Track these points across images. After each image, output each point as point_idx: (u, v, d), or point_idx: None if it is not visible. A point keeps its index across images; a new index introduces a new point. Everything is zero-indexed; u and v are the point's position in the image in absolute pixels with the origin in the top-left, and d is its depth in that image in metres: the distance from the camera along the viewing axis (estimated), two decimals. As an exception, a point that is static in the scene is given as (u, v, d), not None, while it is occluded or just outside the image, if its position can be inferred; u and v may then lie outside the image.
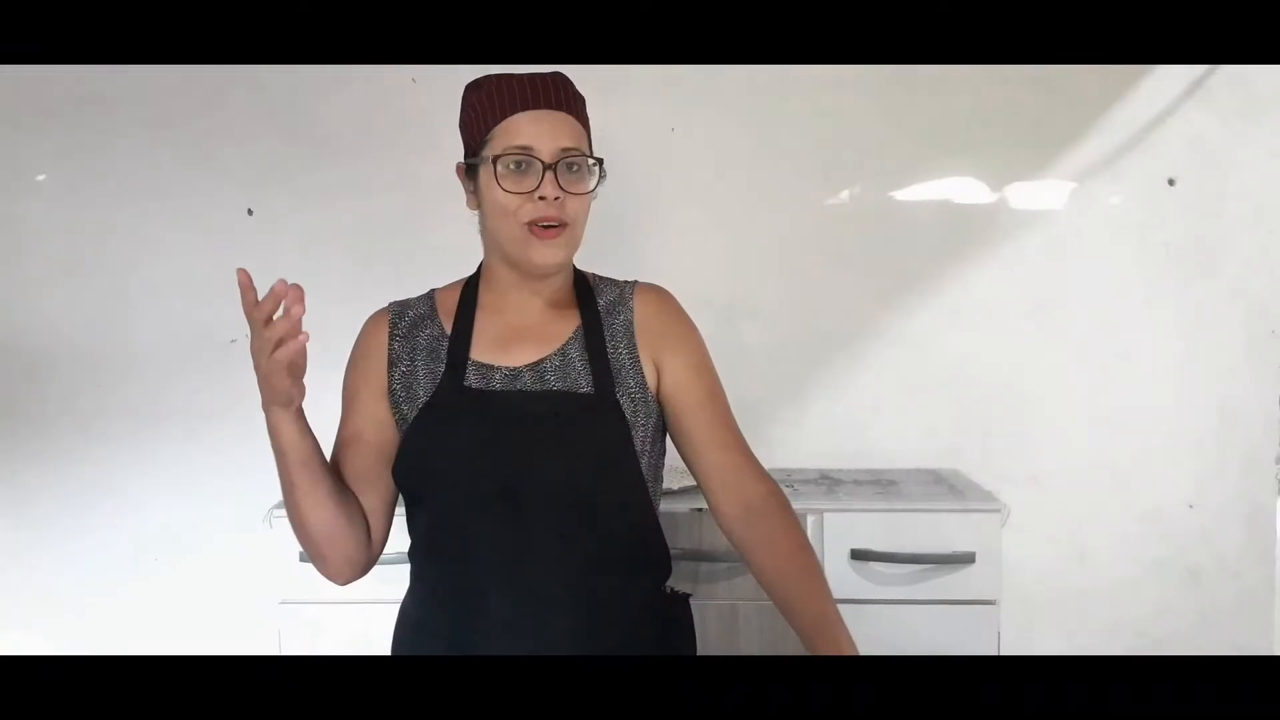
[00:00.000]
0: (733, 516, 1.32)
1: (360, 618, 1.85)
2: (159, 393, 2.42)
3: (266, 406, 1.19)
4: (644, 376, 1.32)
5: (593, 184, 1.29)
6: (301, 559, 1.93)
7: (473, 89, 1.33)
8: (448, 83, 2.27)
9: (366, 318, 1.42)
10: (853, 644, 1.21)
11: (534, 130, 1.25)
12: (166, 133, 2.37)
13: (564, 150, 1.25)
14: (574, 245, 1.31)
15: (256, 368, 1.14)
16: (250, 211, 2.38)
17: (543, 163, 1.24)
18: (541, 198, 1.23)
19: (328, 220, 2.38)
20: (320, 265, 2.38)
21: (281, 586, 1.99)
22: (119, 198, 2.38)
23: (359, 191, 2.38)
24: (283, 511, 1.97)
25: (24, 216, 2.39)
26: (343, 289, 2.36)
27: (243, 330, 2.33)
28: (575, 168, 1.27)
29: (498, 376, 1.28)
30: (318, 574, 1.90)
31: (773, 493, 1.32)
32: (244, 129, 2.37)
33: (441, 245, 2.29)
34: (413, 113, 2.35)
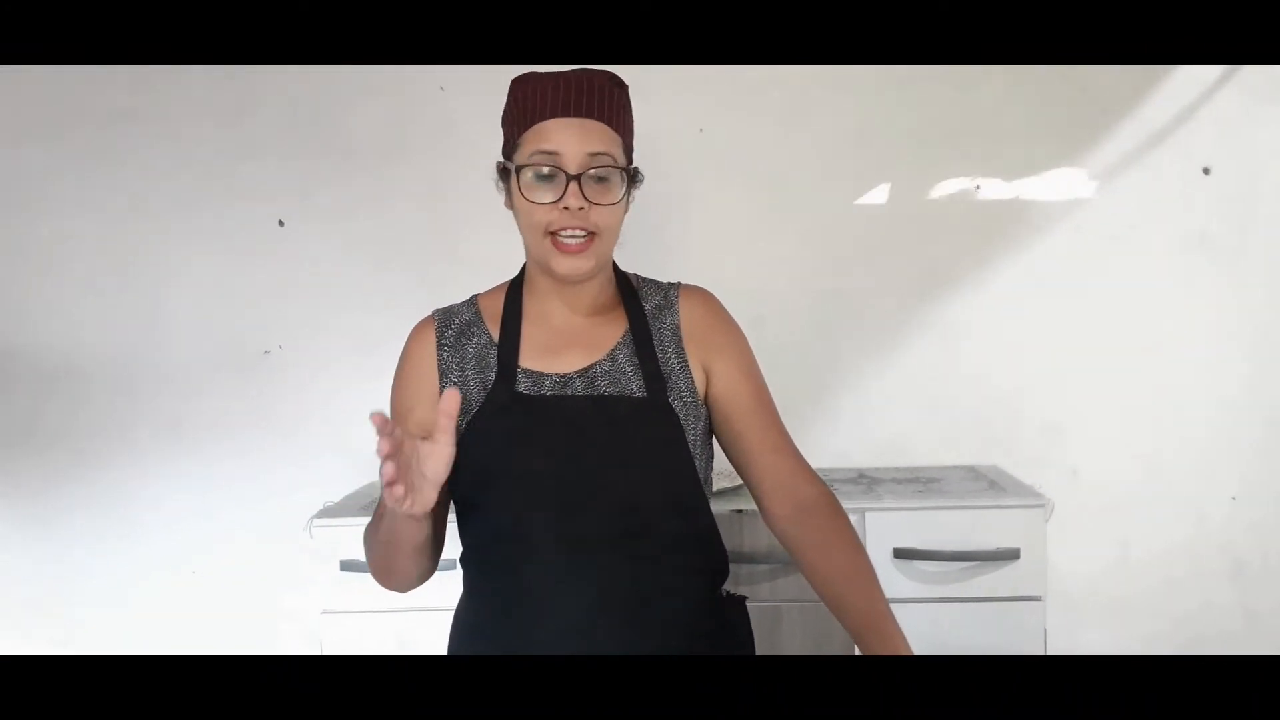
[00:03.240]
0: (785, 518, 1.30)
1: (404, 625, 1.86)
2: (192, 405, 2.44)
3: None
4: (694, 380, 1.31)
5: (621, 194, 1.25)
6: (343, 568, 1.95)
7: (515, 85, 1.29)
8: (475, 90, 2.29)
9: (403, 325, 1.40)
10: (905, 640, 1.19)
11: (561, 138, 1.21)
12: (194, 147, 2.39)
13: (591, 157, 1.22)
14: (603, 255, 1.28)
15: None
16: (281, 223, 2.40)
17: (567, 173, 1.21)
18: (566, 208, 1.21)
19: (357, 230, 2.40)
20: (350, 275, 2.39)
21: (323, 596, 1.99)
22: (147, 212, 2.41)
23: (388, 201, 2.39)
24: (323, 521, 1.99)
25: (54, 232, 2.42)
26: (374, 298, 2.39)
27: (275, 341, 2.42)
28: (604, 178, 1.23)
29: (548, 384, 1.27)
30: (360, 583, 1.92)
31: (824, 494, 1.30)
32: (271, 141, 2.39)
33: (473, 251, 2.31)
34: (441, 121, 2.36)
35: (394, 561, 1.24)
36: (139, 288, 2.43)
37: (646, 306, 1.35)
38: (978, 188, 2.33)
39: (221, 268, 2.42)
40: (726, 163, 2.35)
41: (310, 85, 2.36)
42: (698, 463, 1.29)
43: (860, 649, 1.21)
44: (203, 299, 2.42)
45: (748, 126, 2.34)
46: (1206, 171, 2.28)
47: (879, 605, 1.21)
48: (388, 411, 1.33)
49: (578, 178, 1.21)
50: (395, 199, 2.39)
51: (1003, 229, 2.33)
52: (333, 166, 2.39)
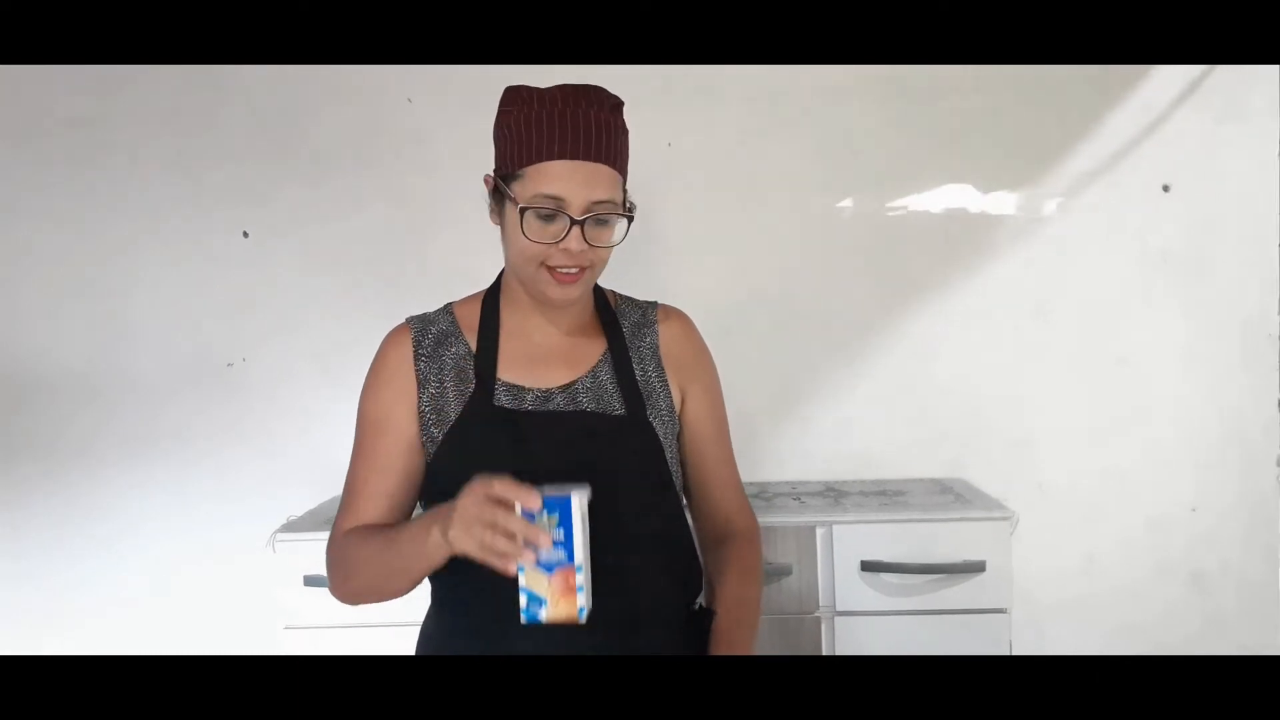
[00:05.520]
0: (710, 542, 1.40)
1: (368, 640, 1.84)
2: (156, 417, 2.40)
3: (440, 537, 1.09)
4: (672, 399, 1.34)
5: (620, 235, 1.25)
6: (306, 583, 1.92)
7: (514, 102, 1.25)
8: (443, 103, 2.30)
9: (369, 337, 1.37)
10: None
11: (567, 182, 1.19)
12: (159, 155, 2.36)
13: (595, 204, 1.20)
14: (592, 283, 1.30)
15: (472, 513, 1.06)
16: (246, 234, 2.37)
17: (571, 218, 1.19)
18: (566, 249, 1.20)
19: (322, 240, 2.37)
20: (316, 284, 2.37)
21: (285, 611, 1.96)
22: (111, 222, 2.37)
23: (354, 211, 2.36)
24: (286, 536, 1.96)
25: (17, 241, 2.38)
26: (339, 308, 2.36)
27: (239, 354, 2.38)
28: (604, 220, 1.23)
29: (529, 398, 1.27)
30: (322, 598, 1.89)
31: (749, 530, 1.40)
32: (237, 150, 2.36)
33: (439, 263, 2.31)
34: (408, 132, 2.34)
35: (392, 582, 1.21)
36: (101, 298, 2.38)
37: (625, 325, 1.37)
38: (946, 203, 2.35)
39: (185, 278, 2.38)
40: (694, 177, 2.35)
41: (276, 94, 2.34)
42: (675, 479, 1.32)
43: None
44: (165, 310, 2.38)
45: (715, 141, 2.34)
46: (1166, 189, 2.32)
47: (738, 629, 1.30)
48: (357, 418, 1.32)
49: (581, 222, 1.20)
50: (361, 209, 2.36)
51: (969, 244, 2.35)
52: (297, 175, 2.36)
